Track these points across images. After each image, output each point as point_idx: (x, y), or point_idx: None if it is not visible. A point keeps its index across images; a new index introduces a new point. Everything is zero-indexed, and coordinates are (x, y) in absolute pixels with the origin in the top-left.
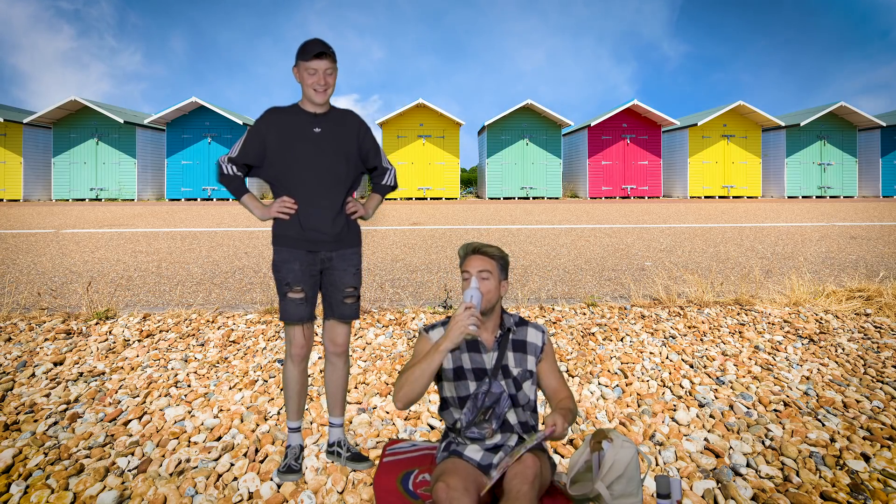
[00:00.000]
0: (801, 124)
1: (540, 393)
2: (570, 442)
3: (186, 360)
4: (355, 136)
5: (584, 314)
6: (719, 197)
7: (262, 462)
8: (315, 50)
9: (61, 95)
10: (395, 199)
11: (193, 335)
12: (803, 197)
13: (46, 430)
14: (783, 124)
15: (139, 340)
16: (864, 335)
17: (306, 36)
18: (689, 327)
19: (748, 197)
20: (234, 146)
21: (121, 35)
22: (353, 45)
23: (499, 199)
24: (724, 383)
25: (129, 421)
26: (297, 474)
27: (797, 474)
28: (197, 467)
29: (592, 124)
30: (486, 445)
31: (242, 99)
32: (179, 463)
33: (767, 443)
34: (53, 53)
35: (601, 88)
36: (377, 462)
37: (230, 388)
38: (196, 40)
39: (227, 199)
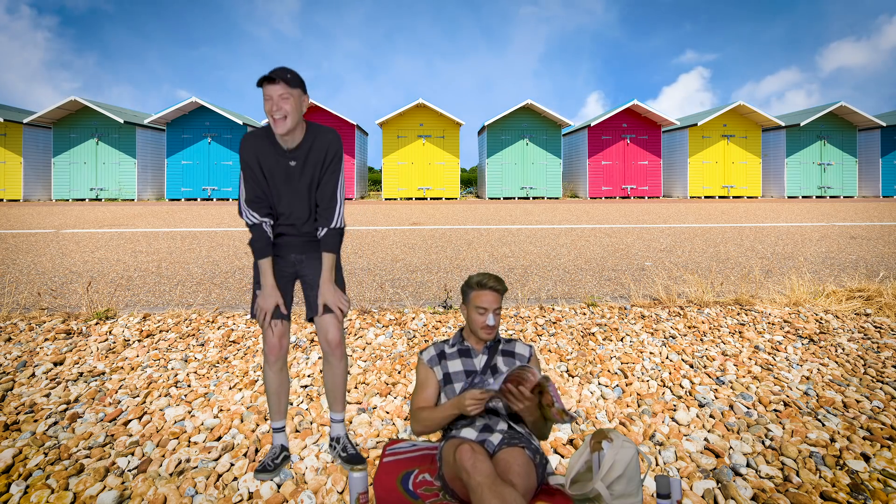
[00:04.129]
0: (801, 124)
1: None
2: (570, 442)
3: (186, 360)
4: (321, 164)
5: (584, 314)
6: (719, 197)
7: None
8: (263, 77)
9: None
10: (395, 199)
11: (193, 335)
12: (803, 197)
13: (46, 430)
14: (783, 124)
15: (139, 340)
16: (864, 335)
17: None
18: (689, 327)
19: (748, 197)
20: (240, 189)
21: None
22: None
23: (499, 199)
24: (724, 383)
25: (129, 421)
26: (270, 473)
27: (797, 474)
28: (197, 467)
29: (592, 124)
30: (478, 427)
31: (239, 75)
32: (179, 463)
33: (767, 443)
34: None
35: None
36: (377, 462)
37: (230, 388)
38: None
39: (227, 199)
